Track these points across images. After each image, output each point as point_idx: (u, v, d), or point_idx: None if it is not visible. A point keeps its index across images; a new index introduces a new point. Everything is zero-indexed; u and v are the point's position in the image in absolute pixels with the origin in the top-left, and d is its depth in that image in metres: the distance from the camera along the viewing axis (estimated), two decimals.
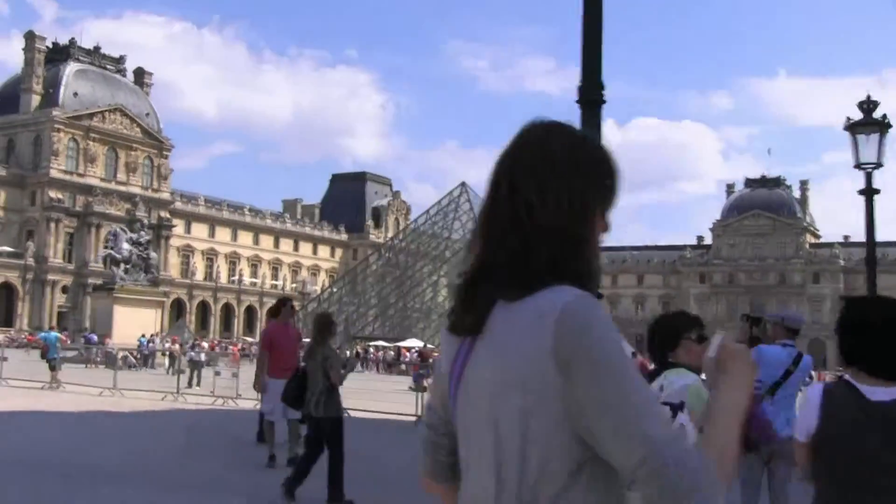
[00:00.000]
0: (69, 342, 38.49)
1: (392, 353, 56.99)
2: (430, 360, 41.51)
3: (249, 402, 20.18)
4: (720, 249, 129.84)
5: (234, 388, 20.46)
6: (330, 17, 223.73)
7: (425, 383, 33.46)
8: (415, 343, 59.10)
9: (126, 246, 47.06)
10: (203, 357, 27.71)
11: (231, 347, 51.48)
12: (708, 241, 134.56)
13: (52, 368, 24.47)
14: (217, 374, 21.17)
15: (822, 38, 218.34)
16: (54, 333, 26.50)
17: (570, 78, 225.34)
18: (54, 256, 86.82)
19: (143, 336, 42.10)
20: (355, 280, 77.09)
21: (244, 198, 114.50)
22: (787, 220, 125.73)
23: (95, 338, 40.52)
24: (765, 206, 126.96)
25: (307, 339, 10.29)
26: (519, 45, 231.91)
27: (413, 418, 17.81)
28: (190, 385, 24.02)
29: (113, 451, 12.06)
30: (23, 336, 75.55)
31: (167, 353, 40.31)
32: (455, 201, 72.18)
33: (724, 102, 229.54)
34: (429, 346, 54.92)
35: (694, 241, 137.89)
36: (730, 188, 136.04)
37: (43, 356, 26.09)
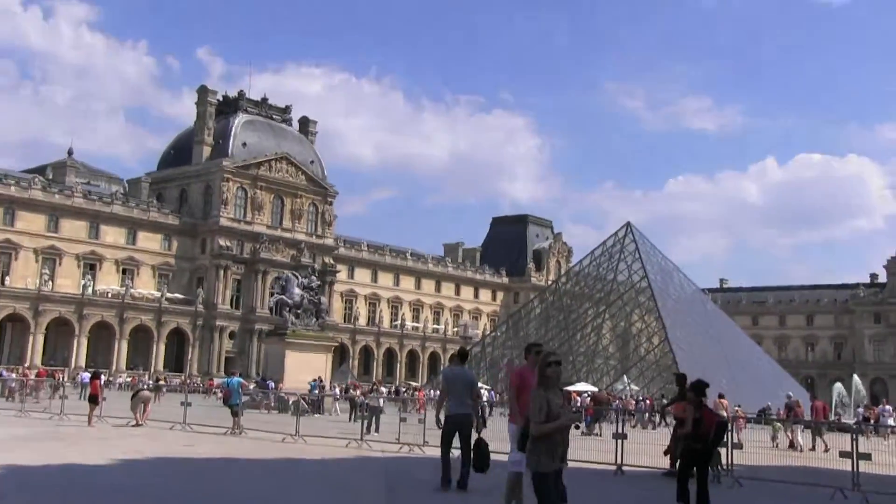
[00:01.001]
0: (250, 387, 38.64)
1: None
2: (606, 404, 40.03)
3: (436, 448, 19.34)
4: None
5: (420, 434, 19.61)
6: (484, 63, 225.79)
7: (597, 427, 32.12)
8: (585, 387, 57.43)
9: (297, 291, 47.41)
10: (381, 402, 27.04)
11: (417, 393, 50.65)
12: (882, 279, 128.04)
13: (235, 414, 24.26)
14: (403, 419, 20.36)
15: None
16: (237, 379, 26.28)
17: (727, 115, 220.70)
18: (222, 303, 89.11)
19: (315, 380, 42.04)
20: (518, 323, 75.98)
21: (405, 242, 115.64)
22: None
23: (272, 384, 40.59)
24: None
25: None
26: (674, 84, 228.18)
27: (613, 466, 16.62)
28: (368, 431, 23.28)
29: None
30: (194, 381, 77.84)
31: (338, 398, 40.12)
32: (620, 242, 70.19)
33: (891, 134, 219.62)
34: (601, 389, 53.20)
35: (867, 280, 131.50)
36: None
37: (225, 402, 26.01)
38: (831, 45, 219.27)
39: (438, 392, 14.59)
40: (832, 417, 43.89)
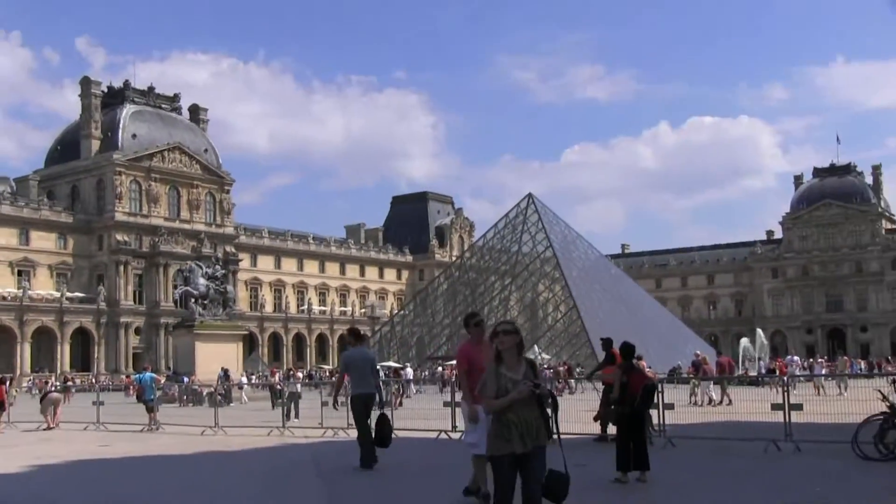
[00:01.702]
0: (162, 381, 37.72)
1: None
2: None
3: None
4: (792, 242, 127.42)
5: (343, 418, 19.41)
6: (374, 42, 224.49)
7: None
8: None
9: (202, 281, 46.50)
10: (299, 388, 26.62)
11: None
12: (778, 235, 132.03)
13: (150, 410, 23.60)
14: (325, 403, 20.05)
15: (878, 20, 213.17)
16: (149, 374, 25.66)
17: (619, 82, 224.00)
18: (125, 299, 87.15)
19: (225, 370, 41.35)
20: (426, 301, 76.07)
21: (306, 228, 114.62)
22: (860, 207, 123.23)
23: (186, 379, 39.75)
24: (836, 195, 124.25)
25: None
26: (566, 54, 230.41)
27: None
28: (288, 417, 22.89)
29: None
30: (102, 378, 76.03)
31: (243, 386, 39.49)
32: (522, 213, 70.67)
33: (780, 94, 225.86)
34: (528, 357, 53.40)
35: (763, 237, 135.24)
36: (798, 179, 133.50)
37: (139, 398, 25.34)
38: (717, 7, 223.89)
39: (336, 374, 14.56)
40: (738, 371, 45.02)
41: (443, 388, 37.16)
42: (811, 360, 62.20)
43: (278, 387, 29.74)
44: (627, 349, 12.80)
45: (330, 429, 19.80)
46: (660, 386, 16.41)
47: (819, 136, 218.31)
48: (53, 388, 27.91)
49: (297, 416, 24.31)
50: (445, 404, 19.31)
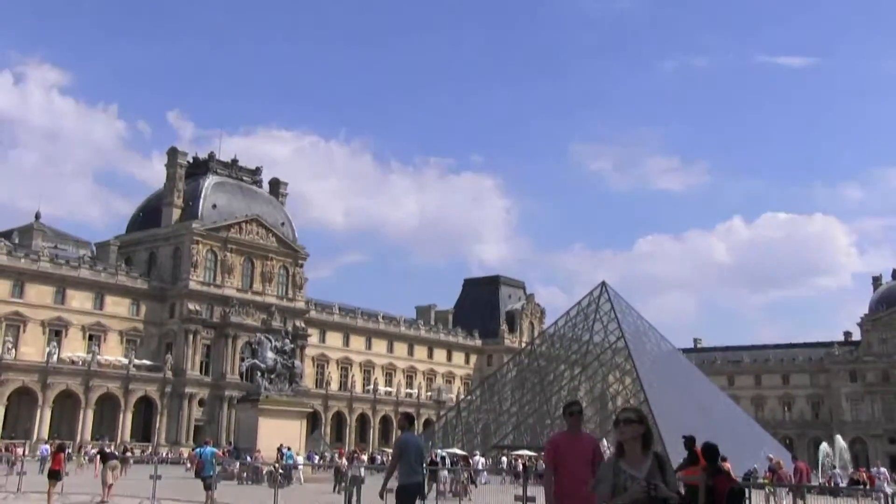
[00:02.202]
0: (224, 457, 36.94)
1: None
2: None
3: None
4: (871, 345, 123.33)
5: None
6: (453, 125, 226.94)
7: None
8: None
9: (270, 355, 45.94)
10: (362, 472, 25.54)
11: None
12: (856, 336, 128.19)
13: (208, 487, 22.75)
14: (390, 490, 18.98)
15: None
16: (210, 448, 24.81)
17: (695, 174, 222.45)
18: (192, 369, 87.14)
19: (288, 448, 40.42)
20: (493, 387, 74.64)
21: (376, 306, 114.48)
22: None
23: (249, 458, 38.80)
24: None
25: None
26: (642, 145, 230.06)
27: None
28: (350, 502, 21.89)
29: None
30: (162, 450, 75.64)
31: (299, 466, 38.46)
32: (595, 301, 69.33)
33: (855, 193, 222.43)
34: None
35: (841, 338, 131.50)
36: (876, 280, 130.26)
37: (197, 474, 24.53)
38: (794, 106, 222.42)
39: (390, 459, 13.65)
40: (820, 479, 42.83)
41: (515, 480, 35.66)
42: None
43: (343, 469, 28.72)
44: (711, 451, 11.99)
45: None
46: (747, 491, 15.19)
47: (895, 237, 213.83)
48: (112, 453, 26.92)
49: (359, 501, 23.30)
50: (517, 498, 18.12)
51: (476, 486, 33.23)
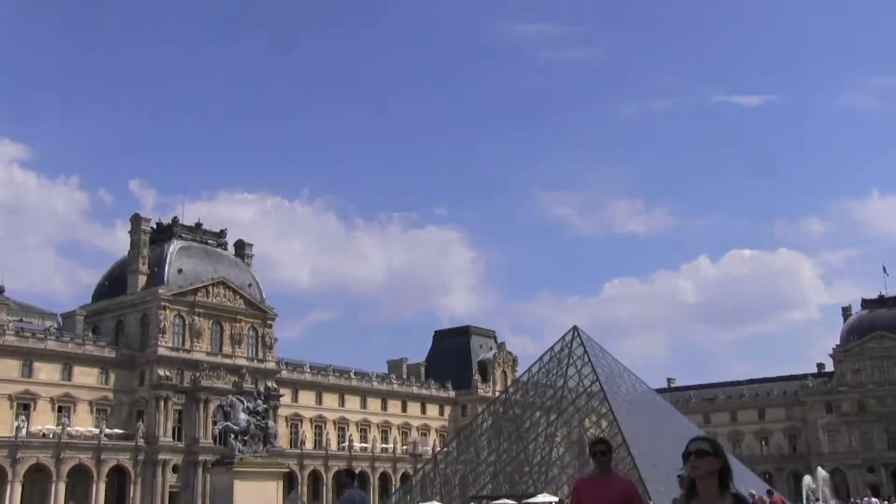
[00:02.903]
0: None
1: None
2: None
3: None
4: (844, 376, 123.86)
5: None
6: (416, 180, 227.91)
7: None
8: (547, 498, 55.64)
9: (243, 416, 45.36)
10: None
11: None
12: (829, 367, 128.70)
13: None
14: None
15: None
16: None
17: (659, 216, 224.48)
18: (164, 435, 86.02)
19: None
20: (470, 437, 74.12)
21: (347, 362, 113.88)
22: None
23: None
24: (887, 327, 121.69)
25: None
26: (605, 189, 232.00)
27: None
28: None
29: None
30: None
31: None
32: (568, 346, 69.10)
33: (817, 227, 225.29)
34: (561, 499, 51.36)
35: (814, 370, 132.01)
36: (846, 311, 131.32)
37: None
38: (752, 144, 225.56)
39: None
40: None
41: None
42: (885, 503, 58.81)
43: None
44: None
45: None
46: None
47: (861, 268, 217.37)
48: None
49: None
50: None
51: None
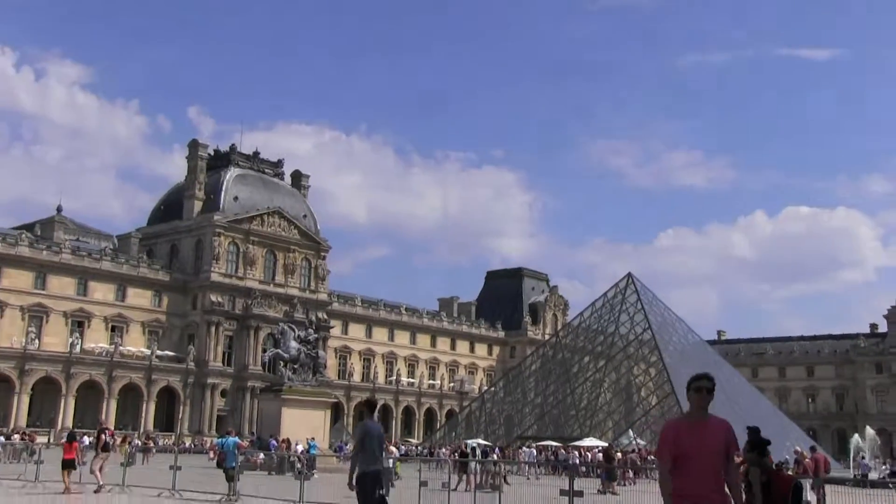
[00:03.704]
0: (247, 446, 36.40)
1: (563, 452, 53.07)
2: (616, 461, 37.99)
3: None
4: None
5: (443, 502, 17.77)
6: (475, 120, 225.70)
7: (615, 487, 30.11)
8: (593, 442, 55.43)
9: (294, 344, 45.33)
10: (391, 463, 24.90)
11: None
12: (882, 329, 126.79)
13: (231, 479, 22.11)
14: (424, 483, 18.37)
15: None
16: (233, 439, 24.19)
17: (717, 168, 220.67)
18: (214, 360, 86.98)
19: (312, 439, 39.87)
20: (517, 378, 74.09)
21: (398, 299, 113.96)
22: None
23: (275, 443, 38.40)
24: None
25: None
26: (664, 140, 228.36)
27: None
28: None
29: None
30: (186, 440, 75.56)
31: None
32: (621, 293, 68.59)
33: (880, 186, 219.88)
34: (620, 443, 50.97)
35: (867, 330, 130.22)
36: None
37: (219, 464, 23.95)
38: (816, 98, 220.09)
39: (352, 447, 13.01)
40: (853, 471, 42.01)
41: (562, 473, 34.47)
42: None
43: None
44: (758, 441, 10.13)
45: None
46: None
47: None
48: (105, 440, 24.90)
49: (387, 493, 22.67)
50: (563, 492, 17.16)
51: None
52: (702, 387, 6.97)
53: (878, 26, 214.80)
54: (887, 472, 42.33)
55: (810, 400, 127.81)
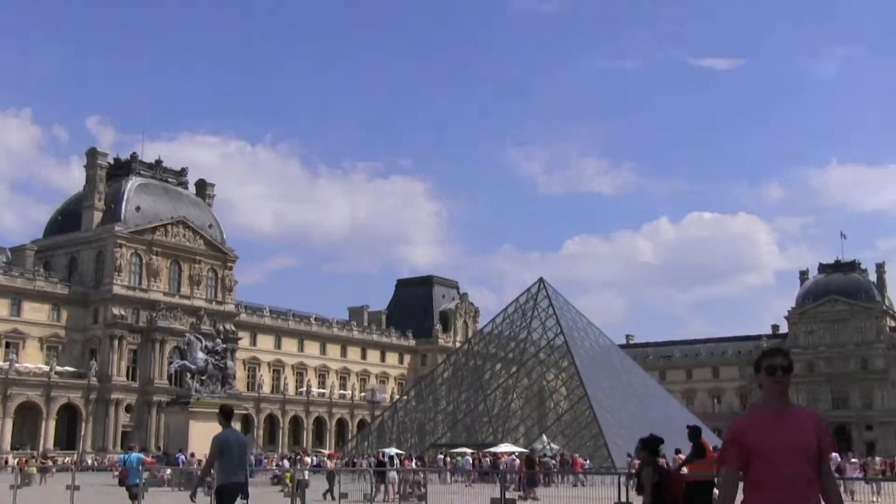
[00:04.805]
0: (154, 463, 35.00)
1: (481, 460, 52.59)
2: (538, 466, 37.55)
3: None
4: (797, 338, 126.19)
5: None
6: (381, 129, 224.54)
7: (535, 492, 29.58)
8: (510, 448, 55.07)
9: (201, 355, 43.97)
10: (307, 475, 23.94)
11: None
12: (783, 329, 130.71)
13: (133, 497, 20.84)
14: (344, 496, 17.51)
15: (869, 127, 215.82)
16: (135, 454, 22.92)
17: (624, 175, 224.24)
18: (118, 374, 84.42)
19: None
20: (430, 386, 73.64)
21: (308, 309, 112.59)
22: (865, 304, 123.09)
23: (183, 457, 37.04)
24: (841, 292, 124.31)
25: None
26: (573, 146, 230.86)
27: None
28: None
29: None
30: (88, 458, 73.11)
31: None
32: (533, 298, 68.61)
33: (776, 193, 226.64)
34: (535, 448, 50.58)
35: (769, 331, 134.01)
36: (803, 275, 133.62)
37: (121, 482, 22.59)
38: (719, 107, 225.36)
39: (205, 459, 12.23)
40: None
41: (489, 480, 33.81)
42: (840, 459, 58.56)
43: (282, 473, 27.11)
44: (652, 442, 10.07)
45: None
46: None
47: (815, 234, 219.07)
48: None
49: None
50: (493, 502, 16.32)
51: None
52: (776, 365, 5.31)
53: (777, 36, 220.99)
54: None
55: (716, 400, 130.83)
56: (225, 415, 12.14)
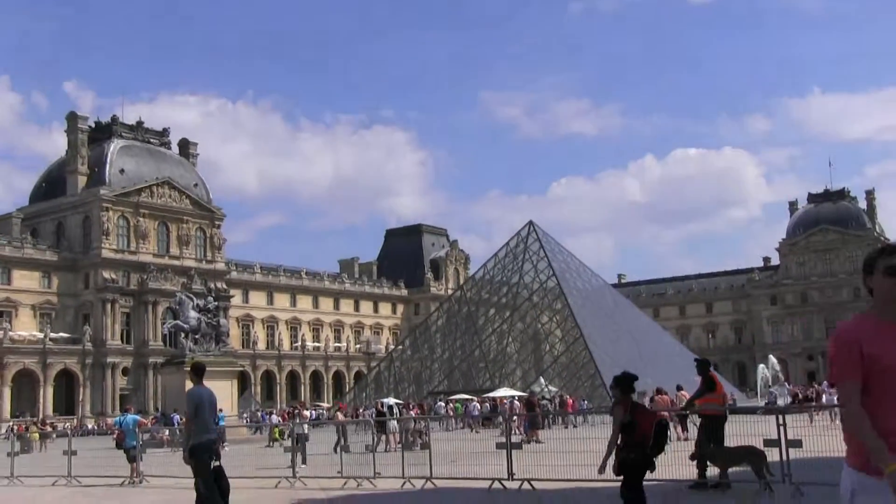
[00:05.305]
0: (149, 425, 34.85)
1: (478, 405, 52.63)
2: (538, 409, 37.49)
3: (393, 480, 16.51)
4: (789, 269, 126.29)
5: (369, 465, 16.76)
6: (361, 81, 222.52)
7: (539, 434, 29.44)
8: (509, 392, 55.17)
9: (194, 314, 43.66)
10: (306, 429, 23.79)
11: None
12: (775, 261, 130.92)
13: (132, 459, 20.63)
14: (346, 449, 17.35)
15: (852, 55, 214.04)
16: (132, 416, 22.69)
17: (606, 115, 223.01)
18: (112, 338, 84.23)
19: (220, 410, 38.43)
20: (424, 335, 73.64)
21: (298, 264, 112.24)
22: (856, 232, 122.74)
23: (178, 417, 36.90)
24: (831, 221, 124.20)
25: None
26: (552, 90, 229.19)
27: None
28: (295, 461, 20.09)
29: None
30: (88, 422, 73.20)
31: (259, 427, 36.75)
32: (523, 242, 68.32)
33: (761, 125, 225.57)
34: (533, 391, 50.60)
35: (760, 264, 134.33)
36: (792, 205, 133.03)
37: (118, 445, 22.37)
38: (697, 41, 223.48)
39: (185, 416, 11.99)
40: (761, 400, 42.54)
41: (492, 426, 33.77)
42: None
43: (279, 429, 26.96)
44: (625, 379, 9.85)
45: (352, 478, 17.10)
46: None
47: (802, 165, 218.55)
48: None
49: (304, 461, 21.59)
50: (499, 446, 16.19)
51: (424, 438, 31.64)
52: (893, 266, 4.13)
53: None
54: (788, 398, 42.95)
55: (710, 336, 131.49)
56: (197, 372, 11.91)
